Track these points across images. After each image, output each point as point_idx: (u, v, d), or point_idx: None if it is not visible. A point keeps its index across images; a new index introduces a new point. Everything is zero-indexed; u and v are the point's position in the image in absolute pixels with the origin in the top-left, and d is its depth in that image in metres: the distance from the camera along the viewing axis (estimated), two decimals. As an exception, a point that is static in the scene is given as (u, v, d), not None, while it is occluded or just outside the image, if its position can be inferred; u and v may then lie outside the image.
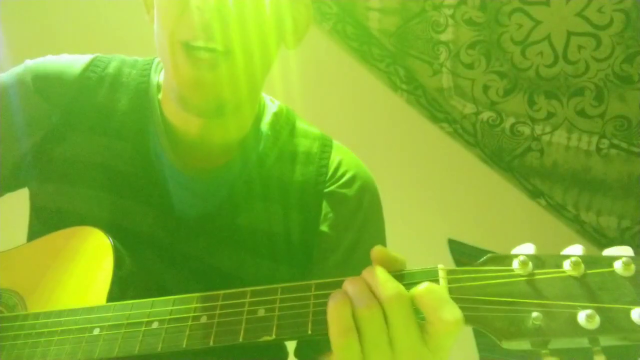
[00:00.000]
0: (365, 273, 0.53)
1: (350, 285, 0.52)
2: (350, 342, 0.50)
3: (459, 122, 2.57)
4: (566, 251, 0.48)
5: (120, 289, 0.69)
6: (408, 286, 0.52)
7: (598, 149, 2.59)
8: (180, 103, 0.74)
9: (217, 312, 0.57)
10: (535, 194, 2.72)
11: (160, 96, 0.84)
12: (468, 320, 0.49)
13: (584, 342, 0.44)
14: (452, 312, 0.48)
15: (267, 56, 0.77)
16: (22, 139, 0.83)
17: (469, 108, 2.56)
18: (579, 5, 2.28)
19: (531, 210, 2.69)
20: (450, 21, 2.38)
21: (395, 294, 0.50)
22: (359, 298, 0.51)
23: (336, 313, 0.51)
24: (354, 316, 0.51)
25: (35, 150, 0.83)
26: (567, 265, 0.47)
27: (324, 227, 0.82)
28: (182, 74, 0.71)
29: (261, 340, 0.54)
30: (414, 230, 2.12)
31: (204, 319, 0.57)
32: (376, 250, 0.55)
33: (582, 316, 0.44)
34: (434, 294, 0.49)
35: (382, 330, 0.50)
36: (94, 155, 0.82)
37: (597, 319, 0.43)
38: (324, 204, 0.83)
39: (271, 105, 0.89)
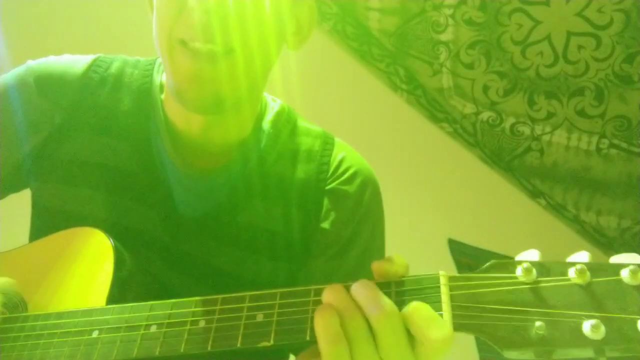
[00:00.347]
0: (354, 289, 0.52)
1: (332, 296, 0.52)
2: (339, 351, 0.50)
3: (459, 122, 2.57)
4: (572, 258, 0.48)
5: (121, 290, 0.69)
6: (409, 292, 0.52)
7: (598, 149, 2.59)
8: (177, 98, 0.74)
9: (216, 316, 0.57)
10: (535, 194, 2.72)
11: (162, 96, 0.84)
12: (470, 329, 0.48)
13: (588, 353, 0.44)
14: (439, 331, 0.48)
15: (268, 56, 0.77)
16: (24, 140, 0.83)
17: (469, 108, 2.56)
18: (579, 5, 2.28)
19: (531, 210, 2.69)
20: (450, 21, 2.38)
21: (383, 313, 0.49)
22: (342, 309, 0.51)
23: (323, 322, 0.51)
24: (342, 327, 0.50)
25: (38, 151, 0.83)
26: (572, 273, 0.46)
27: (325, 225, 0.82)
28: (179, 68, 0.71)
29: (259, 345, 0.54)
30: (414, 230, 2.12)
31: (202, 324, 0.57)
32: (376, 265, 0.55)
33: (587, 326, 0.43)
34: (420, 312, 0.49)
35: (368, 341, 0.50)
36: (96, 155, 0.82)
37: (603, 329, 0.43)
38: (325, 201, 0.83)
39: (273, 104, 0.90)
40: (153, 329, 0.58)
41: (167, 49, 0.72)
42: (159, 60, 0.88)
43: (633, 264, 0.44)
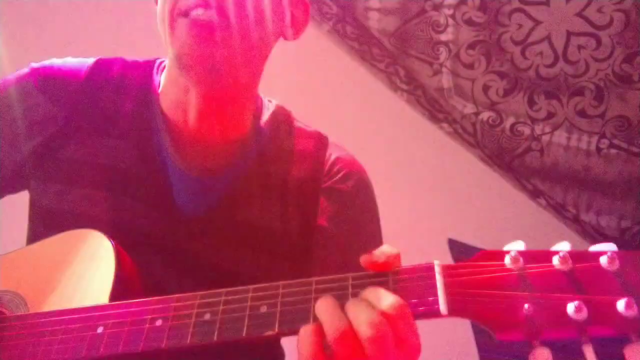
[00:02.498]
0: (347, 307, 0.53)
1: (322, 311, 0.54)
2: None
3: (459, 122, 2.58)
4: (555, 247, 0.50)
5: (122, 289, 0.69)
6: (405, 281, 0.54)
7: (598, 149, 2.59)
8: (177, 66, 0.77)
9: (220, 308, 0.58)
10: (535, 194, 2.72)
11: (160, 90, 0.86)
12: (463, 312, 0.50)
13: (572, 332, 0.46)
14: (387, 300, 0.51)
15: (263, 38, 0.79)
16: (26, 140, 0.85)
17: (469, 108, 2.56)
18: (579, 5, 2.28)
19: (531, 210, 2.69)
20: (450, 21, 2.39)
21: (376, 335, 0.50)
22: (331, 327, 0.52)
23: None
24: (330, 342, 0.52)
25: (40, 152, 0.84)
26: (556, 260, 0.49)
27: (321, 221, 0.84)
28: (179, 36, 0.74)
29: (264, 335, 0.55)
30: (414, 230, 2.13)
31: (207, 316, 0.58)
32: (364, 259, 0.56)
33: (571, 308, 0.46)
34: (370, 292, 0.52)
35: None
36: (98, 156, 0.83)
37: (585, 310, 0.45)
38: (322, 200, 0.85)
39: (269, 104, 0.91)
40: (158, 322, 0.59)
41: (169, 22, 0.75)
42: (158, 60, 0.90)
43: (611, 251, 0.46)
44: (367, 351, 0.49)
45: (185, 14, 0.74)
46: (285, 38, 0.86)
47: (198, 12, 0.73)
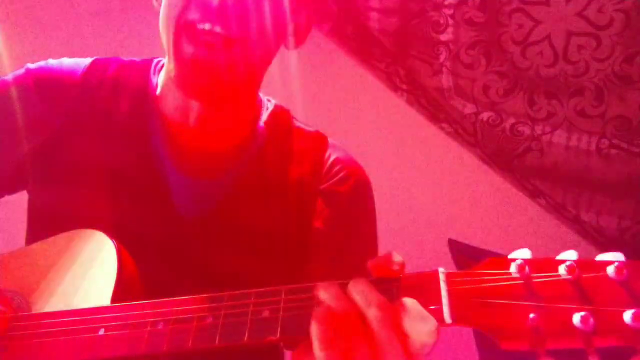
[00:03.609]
0: (350, 286, 0.53)
1: (326, 294, 0.53)
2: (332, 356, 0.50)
3: (459, 122, 2.57)
4: (561, 256, 0.50)
5: (124, 290, 0.70)
6: (409, 288, 0.53)
7: (598, 149, 2.59)
8: (178, 84, 0.76)
9: (222, 312, 0.58)
10: (535, 194, 2.71)
11: (158, 93, 0.85)
12: (468, 321, 0.50)
13: (578, 343, 0.46)
14: (426, 324, 0.49)
15: (267, 52, 0.79)
16: (23, 142, 0.84)
17: (469, 108, 2.56)
18: (579, 5, 2.28)
19: (531, 210, 2.69)
20: (450, 21, 2.39)
21: (379, 309, 0.50)
22: (337, 307, 0.52)
23: (319, 328, 0.51)
24: (337, 324, 0.51)
25: (37, 153, 0.84)
26: (562, 269, 0.48)
27: (317, 223, 0.84)
28: (182, 53, 0.73)
29: (266, 340, 0.55)
30: (413, 231, 2.13)
31: (209, 320, 0.58)
32: (371, 263, 0.56)
33: (577, 318, 0.45)
34: (410, 307, 0.51)
35: (364, 337, 0.50)
36: (97, 157, 0.83)
37: (592, 320, 0.45)
38: (319, 201, 0.84)
39: (268, 104, 0.91)
40: (160, 325, 0.59)
41: (173, 32, 0.74)
42: (155, 60, 0.89)
43: (618, 261, 0.46)
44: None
45: (191, 26, 0.73)
46: (287, 47, 0.86)
47: (205, 27, 0.72)
